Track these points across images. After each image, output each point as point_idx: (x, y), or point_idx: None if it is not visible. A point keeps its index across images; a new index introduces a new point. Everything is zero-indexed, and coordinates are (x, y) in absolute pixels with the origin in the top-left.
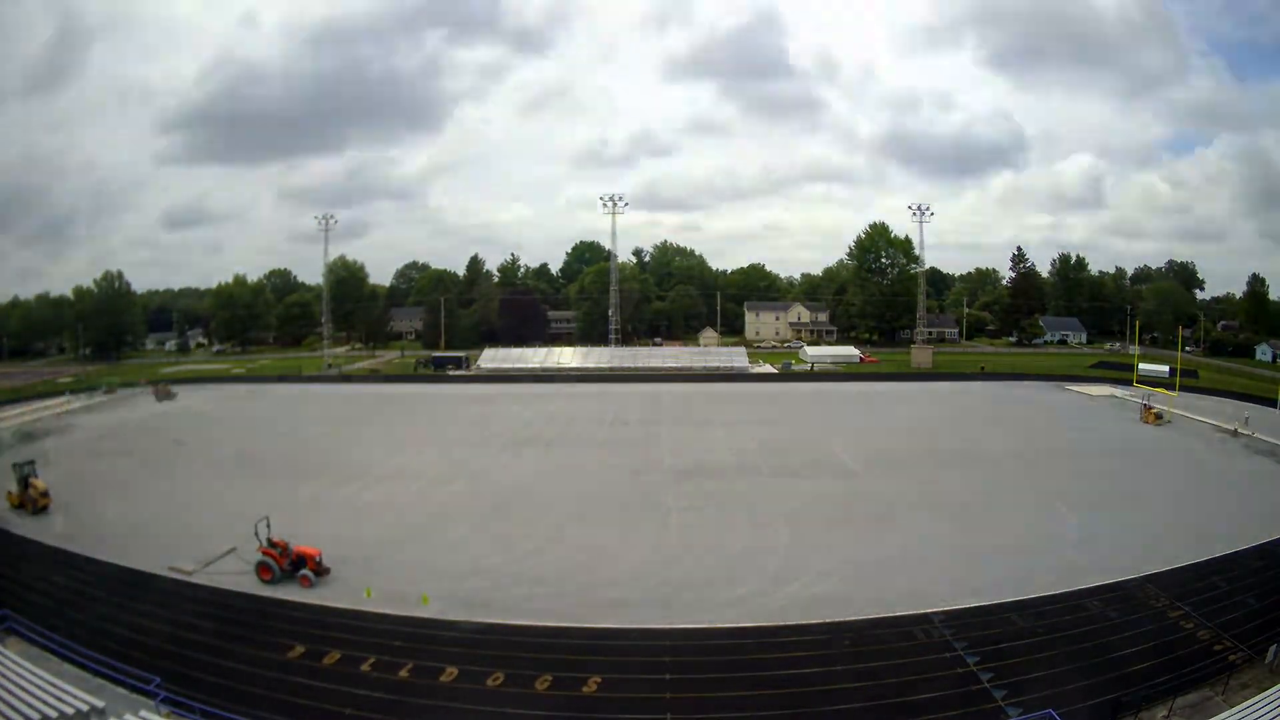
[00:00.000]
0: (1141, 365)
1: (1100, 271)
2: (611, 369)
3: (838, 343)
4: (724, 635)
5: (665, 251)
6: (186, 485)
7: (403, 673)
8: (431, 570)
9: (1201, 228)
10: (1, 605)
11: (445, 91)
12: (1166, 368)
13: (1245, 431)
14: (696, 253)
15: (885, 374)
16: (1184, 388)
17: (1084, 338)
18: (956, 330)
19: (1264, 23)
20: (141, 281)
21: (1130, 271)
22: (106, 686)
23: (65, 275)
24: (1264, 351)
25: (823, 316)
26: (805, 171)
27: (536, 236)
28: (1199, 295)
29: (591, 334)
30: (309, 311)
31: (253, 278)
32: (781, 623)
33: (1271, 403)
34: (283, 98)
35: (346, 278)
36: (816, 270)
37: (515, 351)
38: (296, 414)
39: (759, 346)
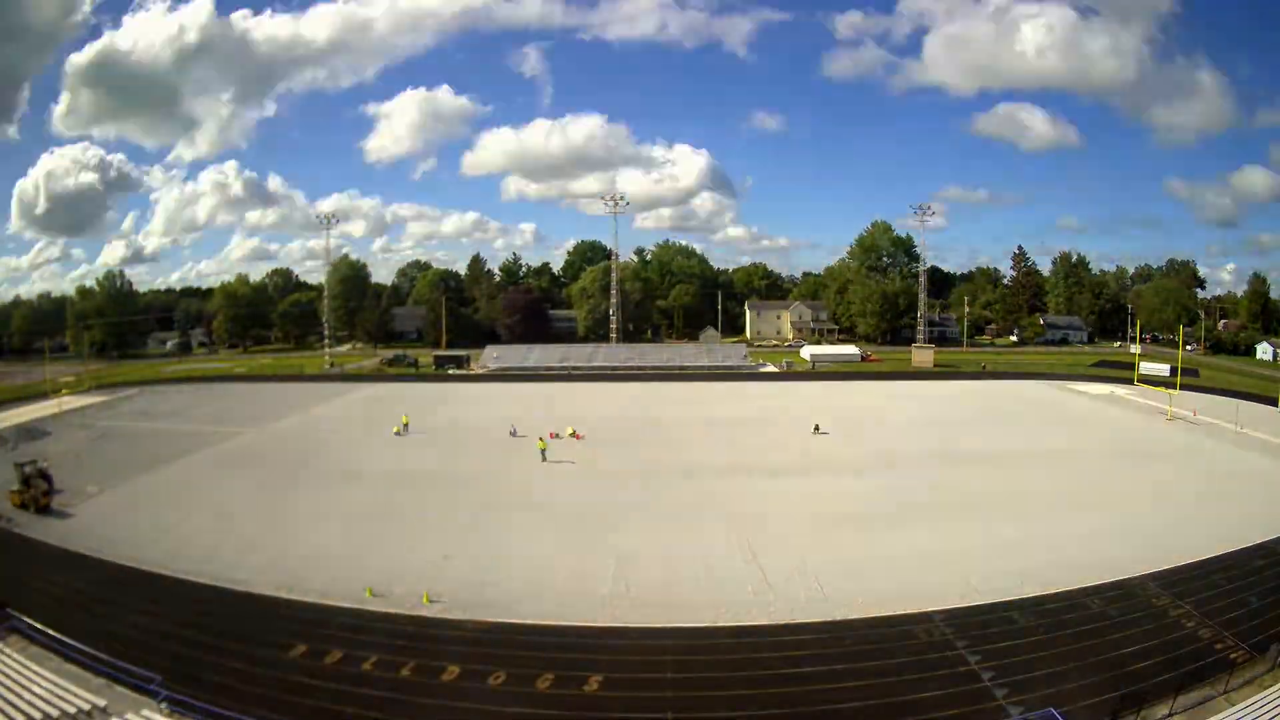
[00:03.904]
0: (1142, 364)
1: (1101, 270)
2: (613, 368)
3: (839, 342)
4: (725, 634)
5: (667, 250)
6: (186, 486)
7: (404, 672)
8: (432, 569)
9: None
10: (3, 604)
11: None
12: (1167, 367)
13: None
14: (698, 251)
15: (886, 373)
16: (1185, 386)
17: (1085, 336)
18: (958, 329)
19: None
20: (143, 281)
21: (1131, 270)
22: (107, 685)
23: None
24: (1265, 350)
25: (824, 315)
26: None
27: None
28: (1200, 294)
29: (593, 333)
30: (311, 310)
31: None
32: (781, 621)
33: (1272, 401)
34: None
35: (349, 276)
36: (818, 269)
37: (516, 350)
38: (296, 413)
39: (760, 345)
